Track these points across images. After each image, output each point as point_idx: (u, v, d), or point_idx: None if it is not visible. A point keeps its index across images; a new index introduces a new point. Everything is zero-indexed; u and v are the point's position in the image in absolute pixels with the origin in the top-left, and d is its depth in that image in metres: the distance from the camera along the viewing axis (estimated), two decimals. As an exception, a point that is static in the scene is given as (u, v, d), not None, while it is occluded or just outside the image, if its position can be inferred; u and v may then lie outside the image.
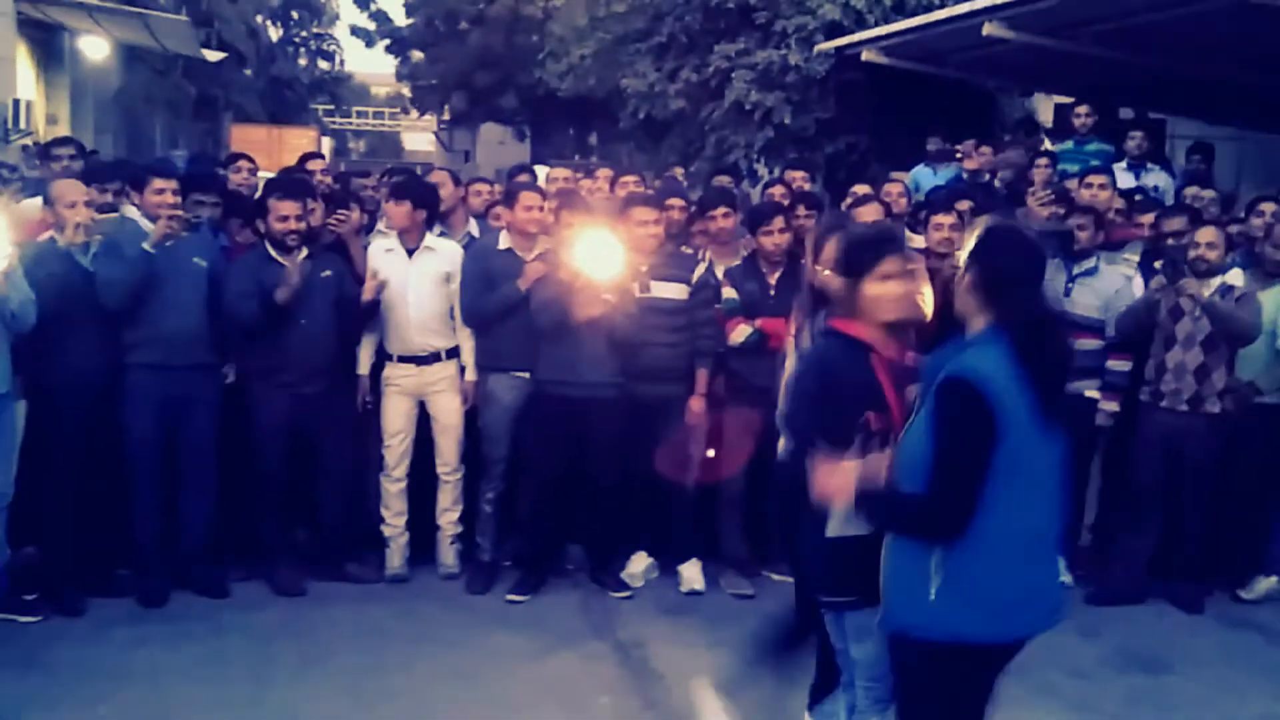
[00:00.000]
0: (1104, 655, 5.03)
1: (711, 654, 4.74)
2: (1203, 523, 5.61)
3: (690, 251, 6.00)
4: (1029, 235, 2.92)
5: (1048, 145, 9.13)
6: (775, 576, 5.63)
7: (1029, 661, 4.77)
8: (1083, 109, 8.76)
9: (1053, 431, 2.76)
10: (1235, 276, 5.58)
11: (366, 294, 5.48)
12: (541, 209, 5.65)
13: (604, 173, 7.28)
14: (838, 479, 2.84)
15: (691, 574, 5.64)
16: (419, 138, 40.95)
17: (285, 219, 5.40)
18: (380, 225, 6.15)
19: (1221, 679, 4.84)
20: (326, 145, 28.15)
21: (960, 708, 2.91)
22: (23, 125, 13.53)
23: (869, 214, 5.85)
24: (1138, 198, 6.91)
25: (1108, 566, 5.78)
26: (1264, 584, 5.72)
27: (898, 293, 3.07)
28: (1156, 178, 7.95)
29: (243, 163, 7.19)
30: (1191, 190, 7.18)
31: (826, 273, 3.34)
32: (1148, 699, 4.63)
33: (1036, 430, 2.72)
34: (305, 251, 5.46)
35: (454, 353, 5.69)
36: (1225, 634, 5.36)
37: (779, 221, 5.66)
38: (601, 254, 5.10)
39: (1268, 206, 6.33)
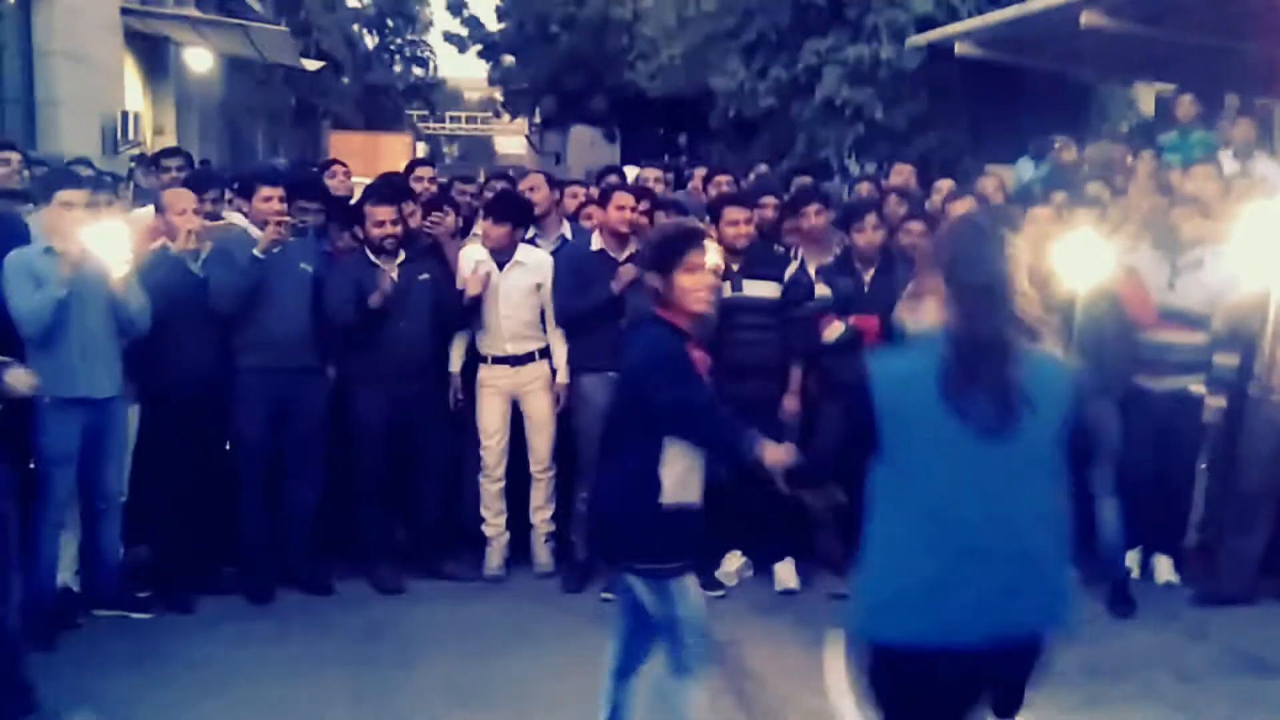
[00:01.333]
0: (1212, 657, 4.90)
1: (805, 653, 4.72)
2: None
3: (782, 250, 5.99)
4: (986, 232, 2.71)
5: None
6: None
7: (1133, 663, 4.73)
8: (1185, 98, 8.54)
9: (1001, 432, 2.53)
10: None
11: (472, 289, 5.54)
12: (634, 209, 5.69)
13: (699, 173, 7.30)
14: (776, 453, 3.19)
15: (785, 573, 5.62)
16: (511, 140, 41.37)
17: (381, 223, 5.52)
18: (476, 229, 6.24)
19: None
20: (421, 150, 28.57)
21: (901, 714, 2.71)
22: (131, 136, 13.97)
23: (965, 208, 5.78)
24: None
25: (1216, 566, 5.62)
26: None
27: (704, 283, 3.39)
28: (1265, 165, 7.70)
29: (337, 168, 7.35)
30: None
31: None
32: (1257, 702, 4.49)
33: (961, 432, 2.54)
34: (402, 255, 5.57)
35: (546, 353, 5.76)
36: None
37: (872, 218, 5.65)
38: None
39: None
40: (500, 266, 5.71)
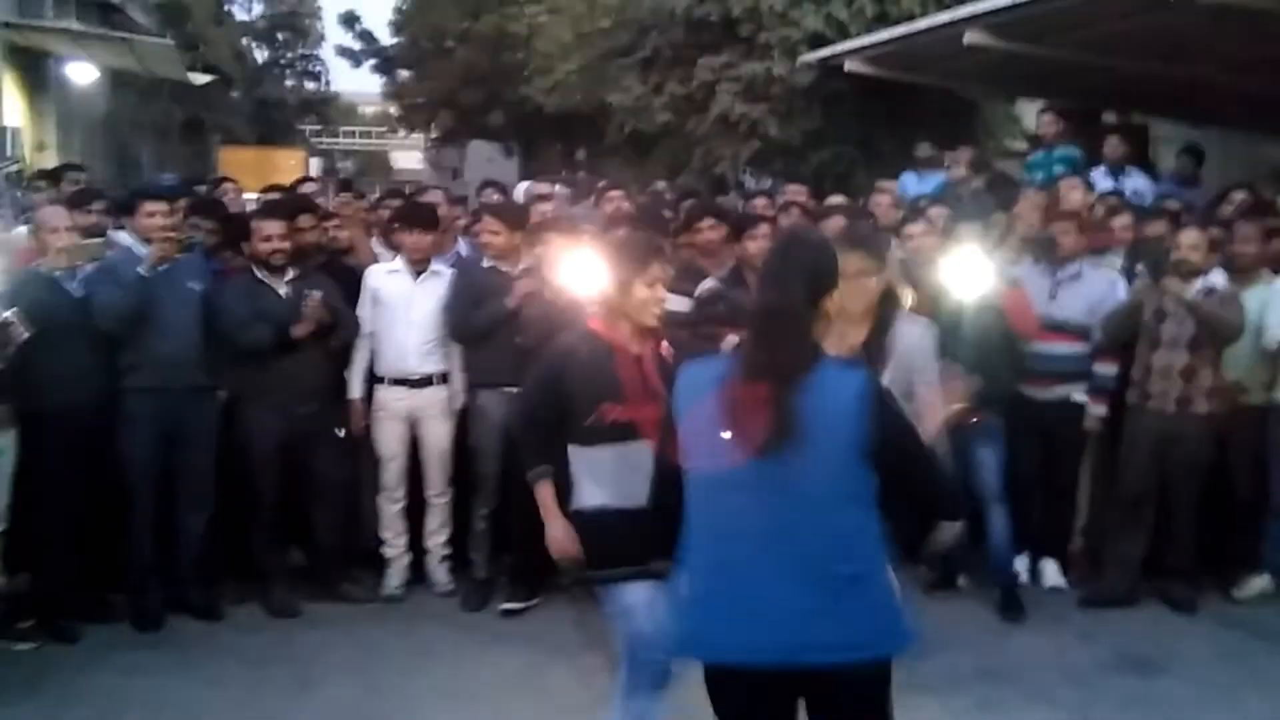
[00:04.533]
0: (1099, 659, 5.05)
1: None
2: (1194, 523, 5.62)
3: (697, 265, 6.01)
4: (786, 254, 2.71)
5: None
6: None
7: (1023, 666, 4.85)
8: (1048, 117, 8.80)
9: (774, 452, 2.48)
10: (1217, 277, 5.62)
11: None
12: (502, 233, 5.65)
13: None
14: None
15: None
16: (407, 156, 40.98)
17: (269, 238, 5.42)
18: (375, 247, 6.19)
19: (1216, 681, 4.85)
20: (315, 165, 28.15)
21: None
22: (10, 152, 13.53)
23: (832, 228, 5.88)
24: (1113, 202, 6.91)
25: (1101, 569, 5.80)
26: (1256, 583, 5.74)
27: (659, 298, 3.51)
28: (1136, 181, 7.98)
29: (227, 184, 7.23)
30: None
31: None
32: (1142, 702, 4.64)
33: (737, 451, 2.51)
34: (291, 272, 5.48)
35: (445, 378, 5.70)
36: (1219, 635, 5.37)
37: (765, 229, 5.75)
38: (586, 271, 5.11)
39: (1237, 195, 6.35)
40: (416, 277, 5.66)
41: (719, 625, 2.58)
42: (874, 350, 3.23)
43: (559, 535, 3.56)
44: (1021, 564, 5.83)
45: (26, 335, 4.60)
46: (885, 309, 3.30)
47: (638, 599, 3.39)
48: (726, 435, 2.53)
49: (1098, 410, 5.76)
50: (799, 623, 2.51)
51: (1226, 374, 5.59)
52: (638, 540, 3.19)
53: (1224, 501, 5.70)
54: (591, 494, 3.49)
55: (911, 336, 3.69)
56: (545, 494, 3.59)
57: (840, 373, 2.56)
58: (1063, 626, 5.38)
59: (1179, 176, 8.53)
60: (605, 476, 3.46)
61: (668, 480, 2.76)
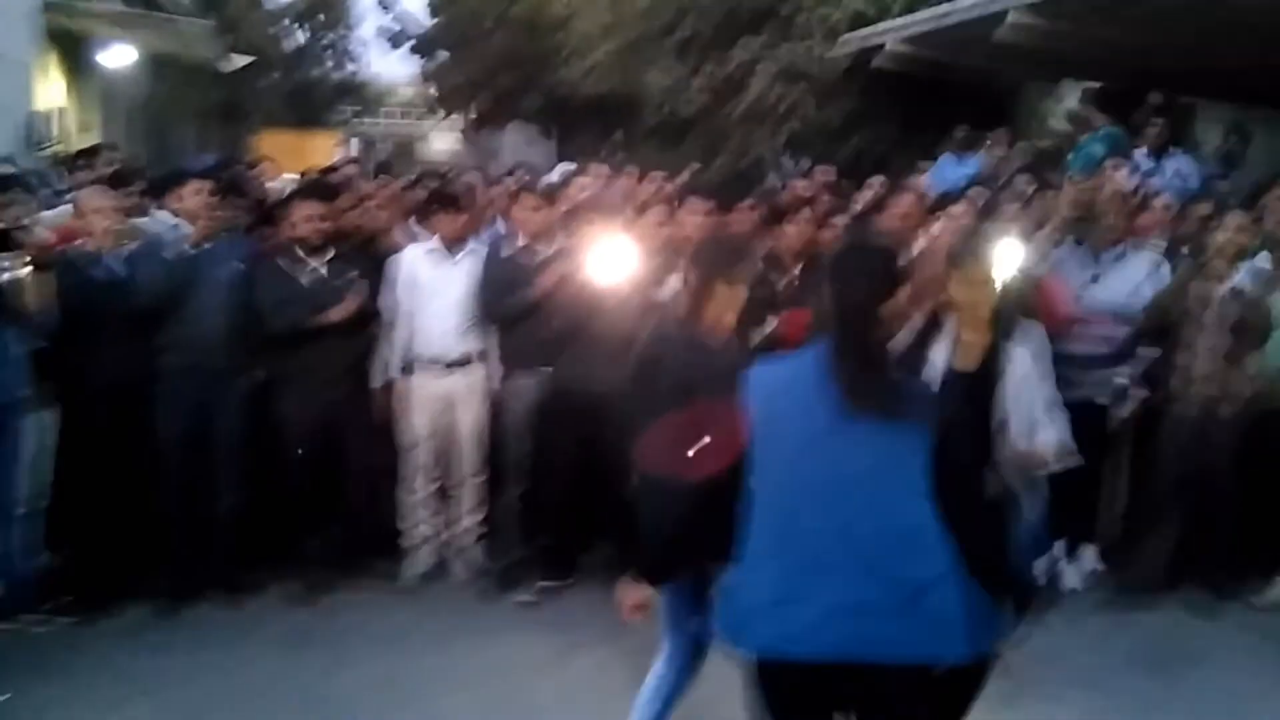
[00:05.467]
0: (1119, 659, 4.94)
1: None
2: (1228, 523, 5.48)
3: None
4: (860, 252, 2.89)
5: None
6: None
7: (1035, 666, 4.74)
8: (1088, 107, 8.67)
9: (864, 433, 2.55)
10: (1263, 260, 5.49)
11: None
12: (538, 208, 5.64)
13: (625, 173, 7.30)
14: None
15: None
16: (444, 138, 41.02)
17: (309, 219, 5.42)
18: (413, 226, 6.18)
19: (1237, 685, 4.75)
20: (354, 147, 28.27)
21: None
22: (56, 134, 13.66)
23: (900, 205, 5.80)
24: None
25: (1127, 568, 5.67)
26: (1277, 588, 5.60)
27: (741, 299, 3.45)
28: (1178, 162, 7.84)
29: (264, 165, 7.24)
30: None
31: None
32: (1165, 706, 4.56)
33: (814, 441, 2.58)
34: (330, 253, 5.47)
35: (481, 356, 5.68)
36: (1244, 639, 5.23)
37: (801, 215, 5.66)
38: (616, 257, 5.08)
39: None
40: (451, 256, 5.65)
41: (792, 621, 2.59)
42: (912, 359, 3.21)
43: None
44: (1041, 563, 5.72)
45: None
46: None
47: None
48: (816, 423, 2.58)
49: (1138, 394, 5.64)
50: (856, 618, 2.54)
51: (1264, 368, 5.43)
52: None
53: (1262, 502, 5.54)
54: None
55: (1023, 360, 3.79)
56: None
57: (910, 379, 2.72)
58: (1087, 626, 5.27)
59: (1225, 157, 8.37)
60: None
61: (722, 483, 2.76)
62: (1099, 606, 5.50)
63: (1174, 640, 5.19)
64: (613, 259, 5.07)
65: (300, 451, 5.41)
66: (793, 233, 5.60)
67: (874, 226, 5.80)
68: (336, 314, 5.28)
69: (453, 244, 5.67)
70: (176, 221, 5.37)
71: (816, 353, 2.66)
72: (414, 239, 6.01)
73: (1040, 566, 5.54)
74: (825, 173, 7.44)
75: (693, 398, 3.12)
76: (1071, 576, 5.75)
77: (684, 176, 8.03)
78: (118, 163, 7.43)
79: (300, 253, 5.43)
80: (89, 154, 7.13)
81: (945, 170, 8.66)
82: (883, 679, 2.57)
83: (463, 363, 5.65)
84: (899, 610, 2.53)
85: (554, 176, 9.03)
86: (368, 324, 5.53)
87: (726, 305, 3.45)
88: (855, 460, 2.57)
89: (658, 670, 3.67)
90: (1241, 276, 5.34)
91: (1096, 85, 11.73)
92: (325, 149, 21.23)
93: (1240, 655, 5.10)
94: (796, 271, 5.60)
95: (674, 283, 5.33)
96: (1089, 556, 5.79)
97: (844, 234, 5.57)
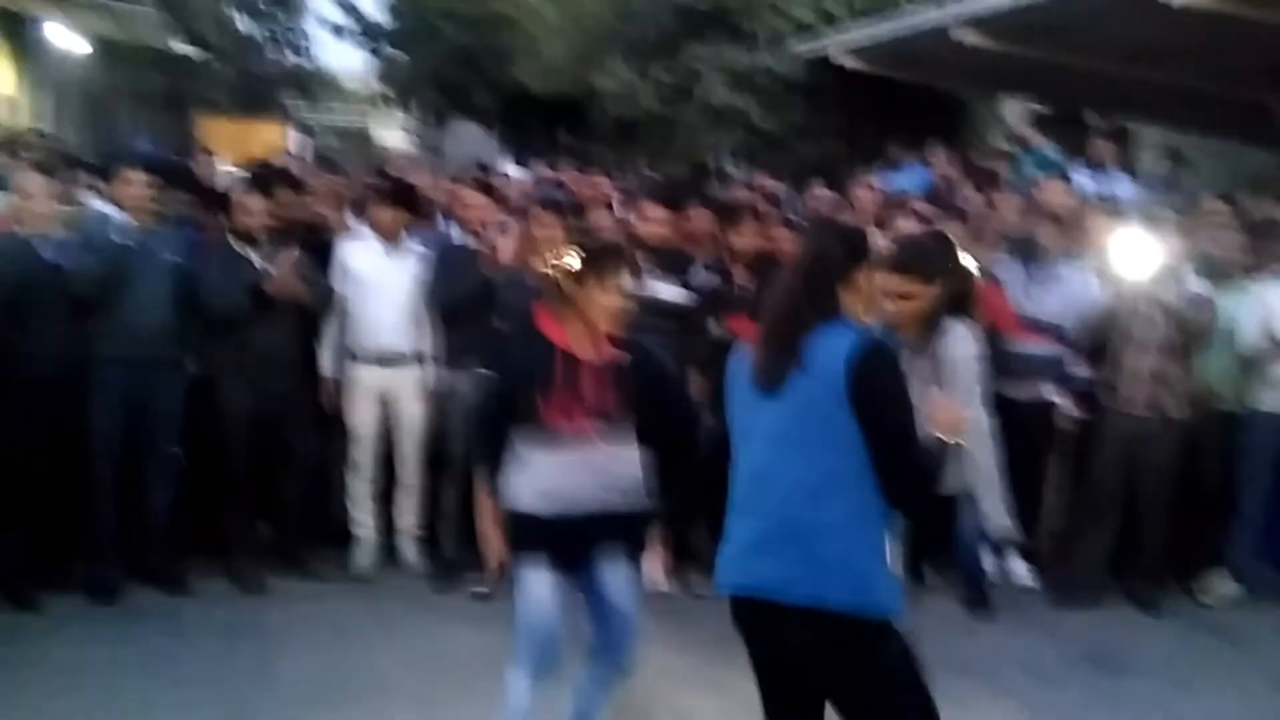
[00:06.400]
0: (1065, 656, 5.08)
1: (676, 653, 4.76)
2: (1161, 525, 5.67)
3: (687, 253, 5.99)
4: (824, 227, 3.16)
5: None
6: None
7: (987, 661, 4.87)
8: (1028, 126, 8.84)
9: (771, 390, 2.74)
10: (1194, 281, 5.64)
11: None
12: (482, 207, 5.66)
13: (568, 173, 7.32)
14: None
15: (657, 572, 5.64)
16: (391, 133, 40.72)
17: (253, 213, 5.39)
18: (351, 222, 6.15)
19: (1177, 680, 4.89)
20: (296, 140, 27.94)
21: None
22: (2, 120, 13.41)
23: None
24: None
25: (1069, 568, 5.83)
26: (1221, 585, 5.80)
27: (618, 305, 3.46)
28: (1119, 184, 8.01)
29: (205, 155, 7.17)
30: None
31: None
32: (1106, 700, 4.68)
33: (750, 399, 2.80)
34: (270, 247, 5.43)
35: (420, 356, 5.68)
36: (1182, 635, 5.42)
37: (751, 223, 5.72)
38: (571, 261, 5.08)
39: (1215, 205, 6.39)
40: (389, 253, 5.63)
41: (722, 559, 2.86)
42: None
43: (493, 543, 3.63)
44: (990, 561, 5.85)
45: None
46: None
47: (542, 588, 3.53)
48: (749, 383, 2.79)
49: (1071, 410, 5.78)
50: (759, 558, 2.75)
51: (1199, 378, 5.63)
52: (562, 539, 3.47)
53: (1192, 504, 5.73)
54: (522, 496, 3.48)
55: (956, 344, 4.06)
56: (484, 496, 3.60)
57: (847, 330, 2.73)
58: (1029, 623, 5.41)
59: (1161, 181, 8.56)
60: (539, 480, 3.45)
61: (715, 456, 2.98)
62: (1045, 603, 5.65)
63: (1117, 635, 5.34)
64: (563, 257, 5.06)
65: (243, 440, 5.38)
66: (741, 240, 5.64)
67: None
68: (271, 285, 5.25)
69: (393, 239, 5.65)
70: (116, 210, 5.30)
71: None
72: (357, 233, 5.99)
73: (989, 563, 5.68)
74: (767, 184, 7.50)
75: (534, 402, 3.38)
76: (1020, 573, 5.88)
77: (630, 179, 8.05)
78: (58, 149, 7.32)
79: (244, 244, 5.39)
80: (28, 139, 7.01)
81: (893, 184, 8.77)
82: (784, 620, 2.72)
83: (403, 359, 5.64)
84: (792, 553, 2.69)
85: (500, 172, 9.05)
86: (316, 309, 5.50)
87: (603, 311, 3.47)
88: (775, 410, 2.74)
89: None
90: (1172, 295, 5.48)
91: (1037, 105, 11.96)
92: (270, 138, 20.95)
93: (1182, 646, 5.29)
94: (745, 277, 5.65)
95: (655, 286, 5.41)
96: (1019, 569, 5.91)
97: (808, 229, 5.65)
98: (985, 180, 8.09)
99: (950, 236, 4.61)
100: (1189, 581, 5.85)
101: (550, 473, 3.43)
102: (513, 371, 3.55)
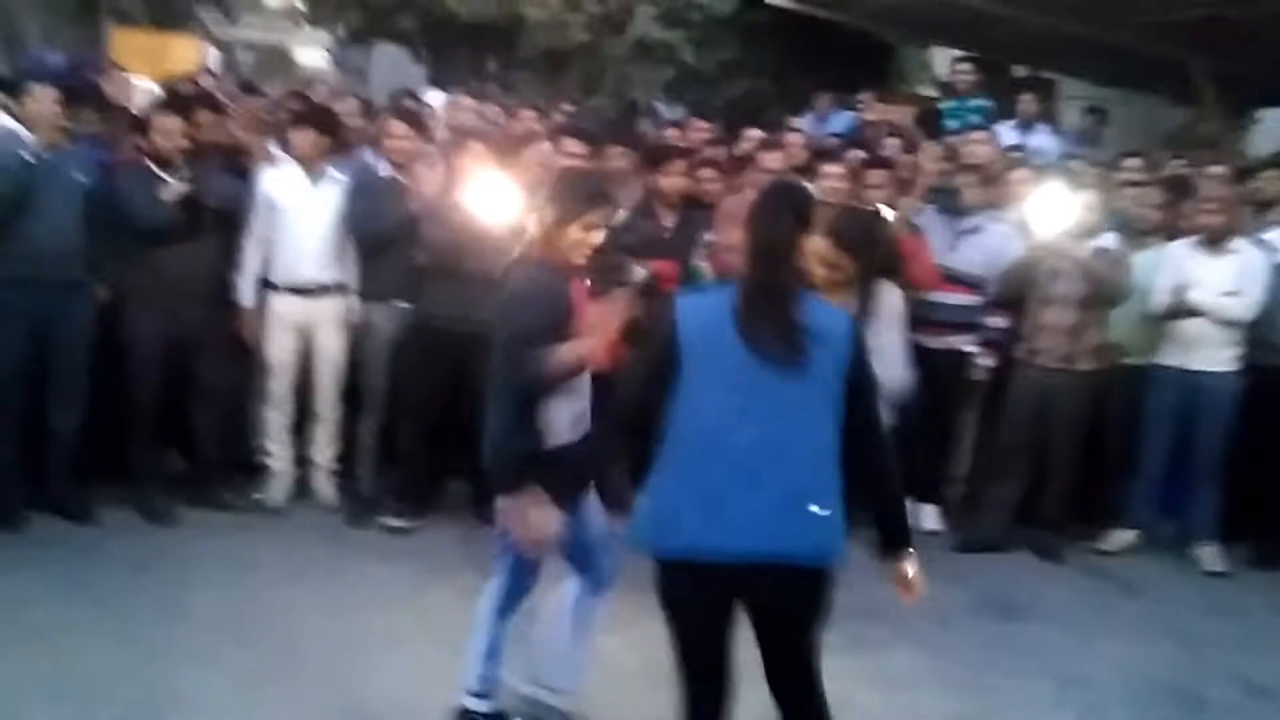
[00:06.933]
0: (967, 602, 5.21)
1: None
2: (1067, 475, 5.81)
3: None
4: (780, 197, 3.05)
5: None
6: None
7: (893, 607, 4.94)
8: (965, 68, 8.83)
9: (786, 366, 2.81)
10: (1110, 238, 5.75)
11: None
12: (411, 137, 5.55)
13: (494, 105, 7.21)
14: None
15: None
16: (311, 53, 39.68)
17: (167, 135, 5.23)
18: (273, 149, 5.99)
19: (1076, 626, 5.05)
20: (214, 56, 27.14)
21: (675, 627, 2.99)
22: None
23: (774, 160, 5.84)
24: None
25: (976, 515, 5.97)
26: (1121, 536, 5.98)
27: (593, 242, 3.43)
28: (1042, 139, 8.10)
29: (117, 72, 6.92)
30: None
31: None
32: (1006, 645, 4.81)
33: (746, 365, 2.82)
34: (185, 170, 5.28)
35: (341, 288, 5.58)
36: (1083, 583, 5.60)
37: (679, 165, 5.69)
38: (495, 196, 5.02)
39: (1132, 163, 6.50)
40: (311, 182, 5.50)
41: (697, 523, 2.84)
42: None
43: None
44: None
45: None
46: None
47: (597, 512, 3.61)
48: (743, 352, 2.82)
49: (986, 361, 5.88)
50: (766, 524, 2.81)
51: (1109, 334, 5.75)
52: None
53: (1097, 457, 5.89)
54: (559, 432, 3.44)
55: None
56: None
57: (830, 309, 2.92)
58: (935, 569, 5.45)
59: (1083, 136, 8.67)
60: (563, 412, 3.43)
61: (637, 405, 3.01)
62: (950, 550, 5.77)
63: (1019, 583, 5.50)
64: (488, 194, 5.00)
65: (153, 368, 5.27)
66: (668, 182, 5.62)
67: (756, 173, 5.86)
68: (167, 194, 5.13)
69: (314, 167, 5.53)
70: (14, 127, 5.10)
71: (731, 291, 2.91)
72: (275, 159, 5.84)
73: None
74: (700, 128, 7.44)
75: (555, 333, 3.29)
76: (928, 519, 6.01)
77: (559, 114, 7.93)
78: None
79: (158, 167, 5.23)
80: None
81: (823, 128, 8.76)
82: (769, 578, 2.85)
83: (322, 291, 5.55)
84: (796, 516, 2.81)
85: (427, 102, 8.86)
86: (228, 234, 5.37)
87: (577, 247, 3.43)
88: (785, 381, 2.81)
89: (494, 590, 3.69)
90: (1088, 252, 5.58)
91: (965, 53, 12.00)
92: (185, 53, 20.28)
93: (1082, 594, 5.46)
94: (671, 220, 5.64)
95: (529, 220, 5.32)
96: (929, 515, 6.04)
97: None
98: (915, 129, 8.11)
99: (881, 213, 4.65)
100: (1091, 533, 6.02)
101: (570, 401, 3.44)
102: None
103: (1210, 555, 5.82)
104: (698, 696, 3.01)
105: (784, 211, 2.96)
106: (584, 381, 3.49)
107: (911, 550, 3.11)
